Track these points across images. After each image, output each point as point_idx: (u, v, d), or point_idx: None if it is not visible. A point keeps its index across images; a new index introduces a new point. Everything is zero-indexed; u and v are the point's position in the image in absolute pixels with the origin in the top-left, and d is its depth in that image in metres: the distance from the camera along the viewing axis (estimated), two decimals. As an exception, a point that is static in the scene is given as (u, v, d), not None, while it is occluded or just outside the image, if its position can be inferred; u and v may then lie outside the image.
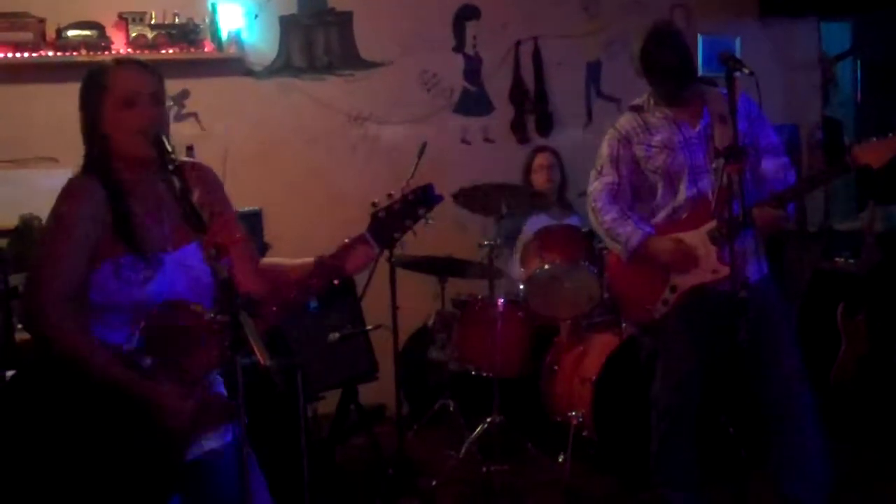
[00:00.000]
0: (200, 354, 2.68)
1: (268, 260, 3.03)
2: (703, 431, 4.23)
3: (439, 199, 2.80)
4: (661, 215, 4.08)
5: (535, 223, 5.76)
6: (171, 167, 2.59)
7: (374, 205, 2.82)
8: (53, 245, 2.65)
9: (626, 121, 4.15)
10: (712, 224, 3.92)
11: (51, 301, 2.59)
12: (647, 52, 4.01)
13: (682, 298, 3.99)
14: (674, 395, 4.06)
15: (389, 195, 2.82)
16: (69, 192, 2.69)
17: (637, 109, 4.15)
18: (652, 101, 4.11)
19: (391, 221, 2.79)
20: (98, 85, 2.71)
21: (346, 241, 2.82)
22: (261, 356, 2.41)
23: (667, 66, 3.99)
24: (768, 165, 4.04)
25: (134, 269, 2.64)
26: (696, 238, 3.97)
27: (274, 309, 2.78)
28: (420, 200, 2.77)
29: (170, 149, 2.62)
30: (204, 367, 2.71)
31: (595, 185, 4.18)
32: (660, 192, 4.07)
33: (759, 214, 3.80)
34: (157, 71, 2.79)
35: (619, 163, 4.11)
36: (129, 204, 2.70)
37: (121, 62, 2.81)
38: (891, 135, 3.68)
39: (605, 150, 4.17)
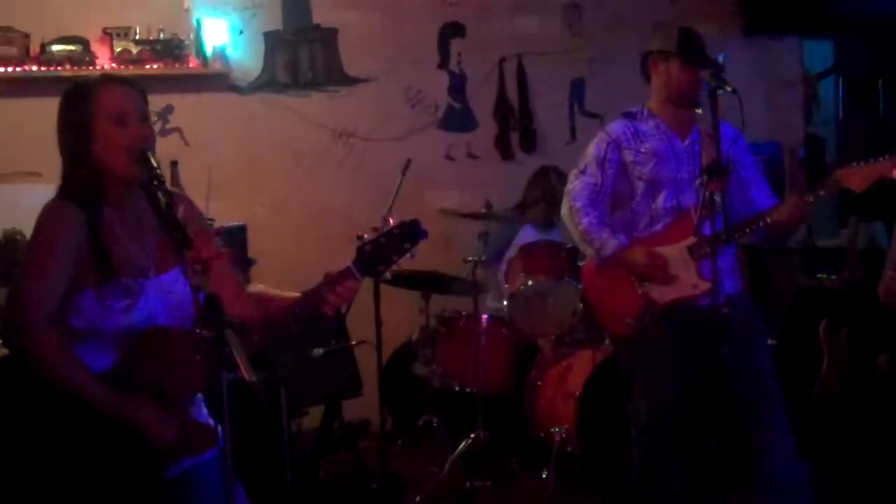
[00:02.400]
0: (184, 378, 2.68)
1: (253, 288, 3.03)
2: (685, 447, 4.23)
3: (424, 234, 2.84)
4: (640, 225, 4.08)
5: (523, 238, 5.77)
6: (156, 183, 2.59)
7: (359, 237, 2.88)
8: (35, 269, 2.64)
9: (617, 126, 4.13)
10: (692, 239, 3.94)
11: (32, 323, 2.58)
12: (686, 30, 4.01)
13: (660, 313, 4.00)
14: (653, 412, 4.06)
15: (375, 229, 2.89)
16: (48, 217, 2.68)
17: (629, 116, 4.14)
18: (646, 111, 4.12)
19: (377, 255, 2.82)
20: (85, 102, 2.68)
21: (331, 274, 2.83)
22: (245, 372, 2.42)
23: (702, 46, 3.99)
24: (757, 195, 4.07)
25: (116, 296, 2.63)
26: (676, 252, 3.98)
27: (256, 338, 2.81)
28: (406, 235, 2.82)
29: (155, 165, 2.62)
30: (188, 390, 2.72)
31: (576, 184, 4.15)
32: (638, 198, 4.06)
33: (783, 211, 3.83)
34: (141, 88, 2.78)
35: (606, 165, 4.08)
36: (111, 228, 2.69)
37: (107, 79, 2.80)
38: (872, 160, 3.71)
39: (592, 150, 4.13)
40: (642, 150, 4.05)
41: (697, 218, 3.86)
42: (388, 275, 3.11)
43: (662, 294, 4.00)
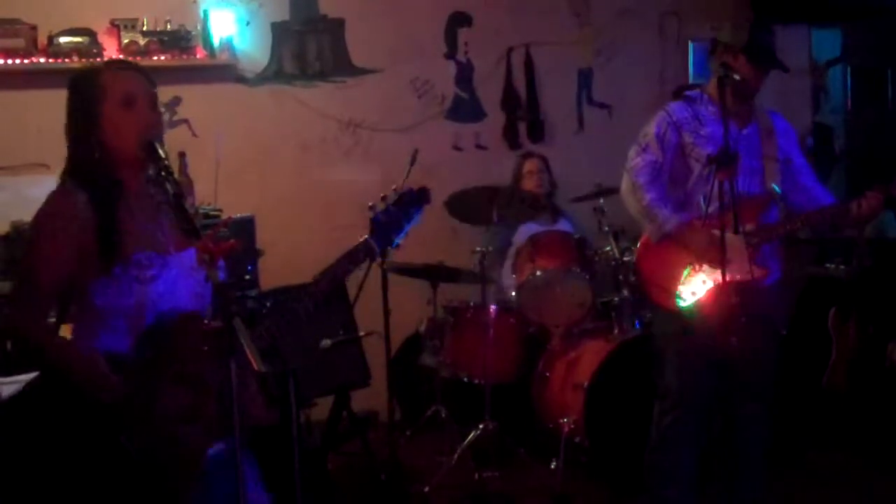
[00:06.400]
0: (214, 364, 2.68)
1: None
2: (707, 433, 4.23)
3: (428, 199, 3.01)
4: (693, 206, 4.08)
5: (526, 231, 5.76)
6: (164, 173, 2.59)
7: (371, 208, 2.93)
8: (33, 262, 2.67)
9: (677, 108, 4.15)
10: (750, 226, 3.96)
11: (29, 320, 2.63)
12: (758, 26, 4.06)
13: (712, 292, 4.00)
14: (681, 391, 4.07)
15: (384, 197, 2.94)
16: (52, 203, 2.68)
17: (688, 100, 4.16)
18: (705, 96, 4.13)
19: (389, 223, 2.93)
20: (94, 86, 2.69)
21: (350, 252, 2.94)
22: (255, 362, 2.42)
23: (772, 44, 4.06)
24: (808, 180, 4.16)
25: (139, 269, 2.64)
26: (734, 238, 3.97)
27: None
28: (413, 200, 2.97)
29: (163, 155, 2.63)
30: (217, 374, 2.71)
31: (637, 161, 4.14)
32: (693, 180, 4.08)
33: (865, 204, 3.89)
34: (150, 76, 2.79)
35: (665, 144, 4.10)
36: (126, 205, 2.70)
37: (115, 64, 2.81)
38: None
39: (652, 128, 4.14)
40: (702, 133, 4.06)
41: (706, 206, 3.88)
42: (397, 249, 3.16)
43: (717, 276, 3.99)
